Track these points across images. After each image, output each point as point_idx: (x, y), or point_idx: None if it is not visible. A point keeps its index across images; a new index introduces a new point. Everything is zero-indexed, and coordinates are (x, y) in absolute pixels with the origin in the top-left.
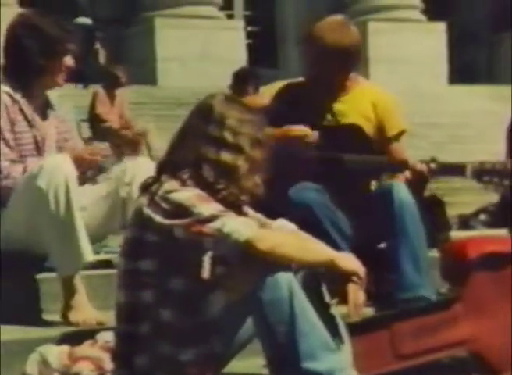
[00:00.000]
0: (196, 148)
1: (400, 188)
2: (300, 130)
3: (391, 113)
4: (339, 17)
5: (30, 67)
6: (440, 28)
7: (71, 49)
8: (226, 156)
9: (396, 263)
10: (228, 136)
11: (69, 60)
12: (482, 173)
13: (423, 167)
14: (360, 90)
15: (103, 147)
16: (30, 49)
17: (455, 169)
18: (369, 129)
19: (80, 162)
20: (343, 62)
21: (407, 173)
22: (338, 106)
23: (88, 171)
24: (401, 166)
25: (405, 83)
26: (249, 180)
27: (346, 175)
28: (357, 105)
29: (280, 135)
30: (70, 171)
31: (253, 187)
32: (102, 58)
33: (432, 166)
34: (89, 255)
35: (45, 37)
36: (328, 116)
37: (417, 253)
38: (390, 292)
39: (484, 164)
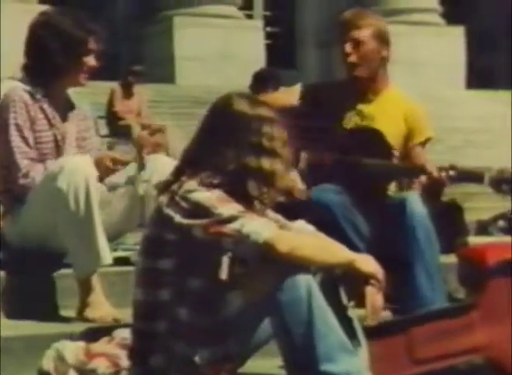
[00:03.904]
0: (236, 156)
1: (414, 200)
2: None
3: (421, 122)
4: (361, 10)
5: (50, 67)
6: (458, 32)
7: (93, 49)
8: (265, 163)
9: (410, 277)
10: (265, 142)
11: (91, 60)
12: (500, 182)
13: (441, 174)
14: (391, 94)
15: (128, 158)
16: (50, 50)
17: (473, 177)
18: (396, 136)
19: (99, 167)
20: (382, 47)
21: (423, 179)
22: (367, 108)
23: (106, 177)
24: (418, 171)
25: (422, 87)
26: (285, 180)
27: (362, 179)
28: (387, 109)
29: None
30: (91, 172)
31: (289, 184)
32: None
33: (451, 173)
34: (107, 258)
35: (66, 38)
36: (357, 118)
37: (430, 267)
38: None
39: (502, 173)
